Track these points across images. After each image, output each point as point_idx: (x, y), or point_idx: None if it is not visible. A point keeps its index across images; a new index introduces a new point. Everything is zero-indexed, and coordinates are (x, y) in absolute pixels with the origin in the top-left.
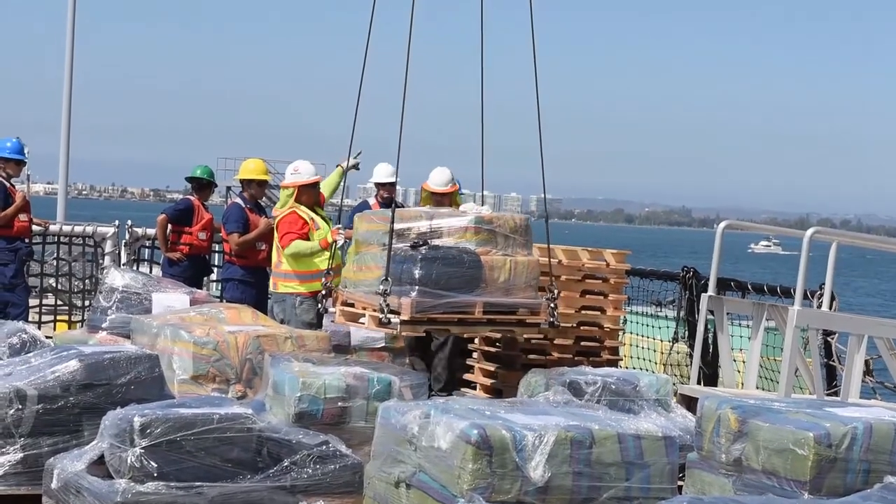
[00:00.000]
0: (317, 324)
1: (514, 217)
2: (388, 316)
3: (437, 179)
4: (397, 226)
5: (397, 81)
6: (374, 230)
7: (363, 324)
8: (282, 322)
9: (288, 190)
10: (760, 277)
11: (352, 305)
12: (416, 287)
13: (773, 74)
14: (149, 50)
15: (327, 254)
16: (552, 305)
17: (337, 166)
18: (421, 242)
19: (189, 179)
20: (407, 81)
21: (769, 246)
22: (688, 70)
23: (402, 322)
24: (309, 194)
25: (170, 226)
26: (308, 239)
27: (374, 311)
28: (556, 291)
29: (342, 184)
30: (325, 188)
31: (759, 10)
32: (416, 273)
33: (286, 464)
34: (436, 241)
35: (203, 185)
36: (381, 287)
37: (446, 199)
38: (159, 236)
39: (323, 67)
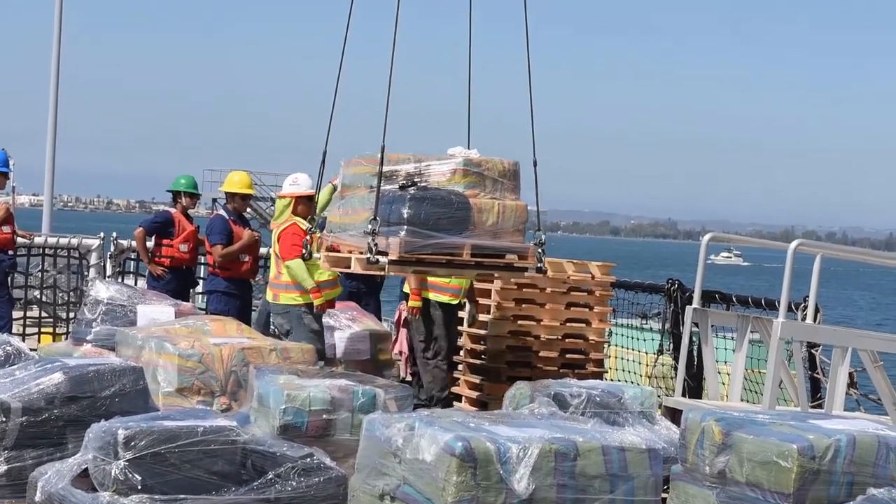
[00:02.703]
0: (321, 332)
1: (502, 161)
2: (377, 256)
3: None
4: (386, 167)
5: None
6: (361, 173)
7: (349, 267)
8: (287, 333)
9: (285, 200)
10: (719, 288)
11: (337, 251)
12: (405, 227)
13: (761, 87)
14: (137, 60)
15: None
16: (540, 251)
17: (329, 183)
18: (409, 183)
19: (171, 192)
20: (390, 93)
21: (730, 257)
22: (676, 83)
23: (391, 262)
24: (305, 206)
25: (153, 237)
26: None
27: (361, 253)
28: (543, 238)
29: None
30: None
31: (749, 23)
32: (405, 213)
33: (270, 476)
34: (424, 184)
35: (185, 196)
36: (370, 227)
37: None
38: (139, 249)
39: (316, 77)
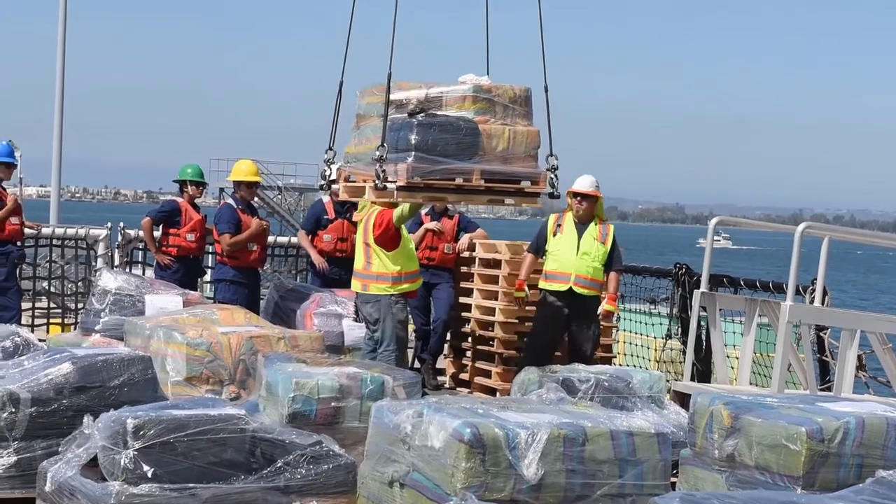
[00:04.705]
0: (407, 322)
1: (513, 87)
2: (385, 182)
3: (583, 182)
4: (396, 96)
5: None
6: (375, 102)
7: (364, 196)
8: (376, 321)
9: None
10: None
11: (354, 182)
12: (413, 153)
13: (769, 70)
14: (142, 51)
15: (416, 260)
16: (552, 176)
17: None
18: (418, 110)
19: (178, 182)
20: (396, 18)
21: (718, 240)
22: (681, 66)
23: (399, 188)
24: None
25: (160, 227)
26: None
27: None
28: (556, 163)
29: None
30: (398, 211)
31: (755, 5)
32: (412, 139)
33: (280, 464)
34: (434, 111)
35: (191, 185)
36: (378, 153)
37: (589, 204)
38: (146, 238)
39: (320, 67)
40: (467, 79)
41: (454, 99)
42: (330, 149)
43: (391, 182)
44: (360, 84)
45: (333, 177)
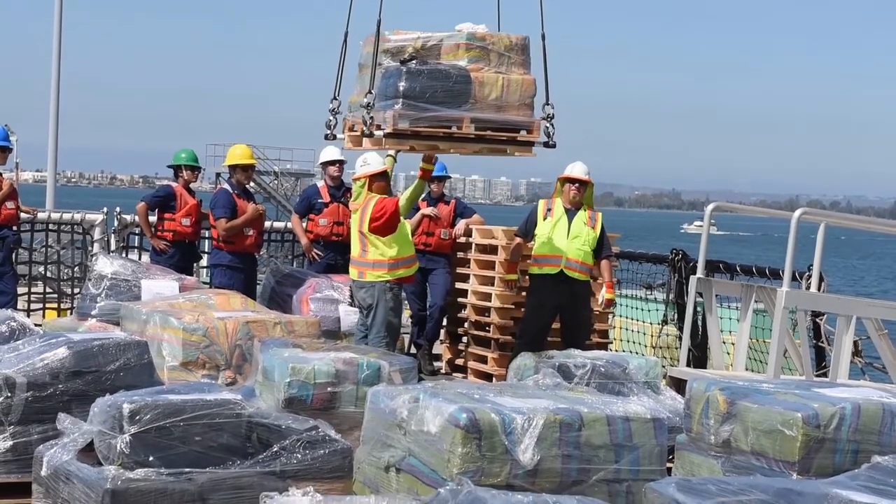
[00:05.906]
0: (401, 308)
1: (509, 36)
2: (371, 128)
3: (578, 168)
4: (392, 44)
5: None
6: (373, 52)
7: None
8: (370, 307)
9: (360, 182)
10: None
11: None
12: (401, 100)
13: (764, 56)
14: (137, 39)
15: (412, 245)
16: (547, 125)
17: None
18: (409, 58)
19: (172, 167)
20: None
21: (702, 225)
22: (677, 53)
23: (387, 135)
24: (380, 184)
25: (156, 212)
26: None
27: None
28: (552, 112)
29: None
30: (405, 199)
31: None
32: (401, 86)
33: (276, 449)
34: (430, 59)
35: (186, 170)
36: (365, 100)
37: (582, 190)
38: (141, 223)
39: (313, 56)
40: (463, 27)
41: (449, 47)
42: (335, 98)
43: (379, 129)
44: (366, 35)
45: (339, 126)
